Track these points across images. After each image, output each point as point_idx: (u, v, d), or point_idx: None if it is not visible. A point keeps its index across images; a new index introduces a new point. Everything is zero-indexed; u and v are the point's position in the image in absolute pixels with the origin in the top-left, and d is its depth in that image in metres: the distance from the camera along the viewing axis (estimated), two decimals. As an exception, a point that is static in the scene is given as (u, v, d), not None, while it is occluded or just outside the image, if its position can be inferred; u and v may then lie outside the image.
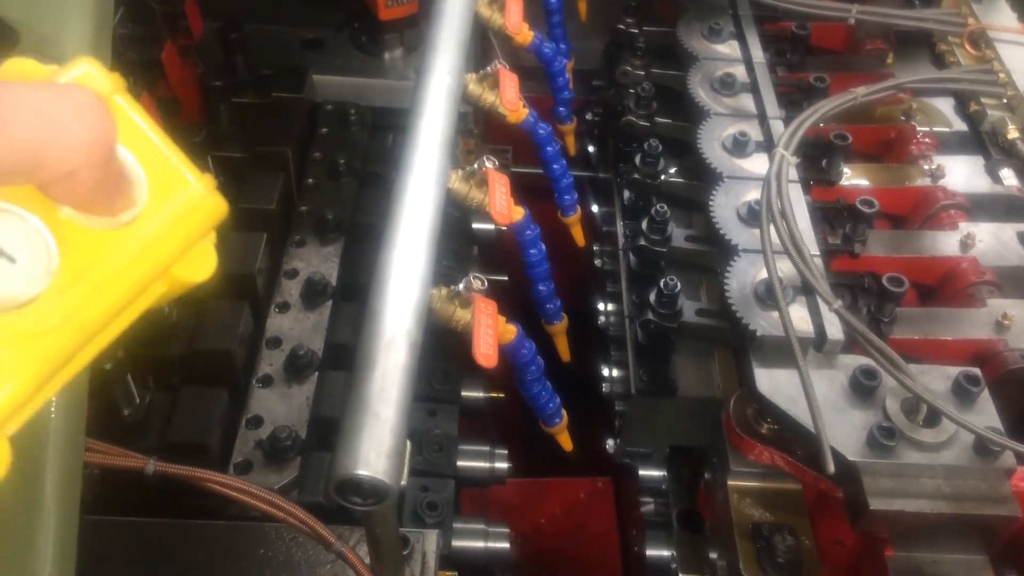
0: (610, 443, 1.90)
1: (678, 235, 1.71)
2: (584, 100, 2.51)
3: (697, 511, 1.73)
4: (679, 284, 1.56)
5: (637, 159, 1.85)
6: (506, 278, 2.22)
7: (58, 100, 0.49)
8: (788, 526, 1.40)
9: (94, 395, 1.37)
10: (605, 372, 1.98)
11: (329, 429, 1.47)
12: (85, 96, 0.50)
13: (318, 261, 1.76)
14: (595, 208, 2.34)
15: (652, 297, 1.57)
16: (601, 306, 2.11)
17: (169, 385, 1.50)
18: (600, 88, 2.49)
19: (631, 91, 2.01)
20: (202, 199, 0.60)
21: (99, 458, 1.08)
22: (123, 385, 1.38)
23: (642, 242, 1.68)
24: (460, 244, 1.98)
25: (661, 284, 1.56)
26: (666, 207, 1.68)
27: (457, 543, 1.58)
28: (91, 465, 1.05)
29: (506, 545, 1.65)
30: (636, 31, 2.19)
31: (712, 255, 1.68)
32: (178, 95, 1.98)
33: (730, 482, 1.48)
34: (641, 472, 1.88)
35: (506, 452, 1.77)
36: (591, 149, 2.48)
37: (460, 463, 1.67)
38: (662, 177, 1.86)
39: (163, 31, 1.91)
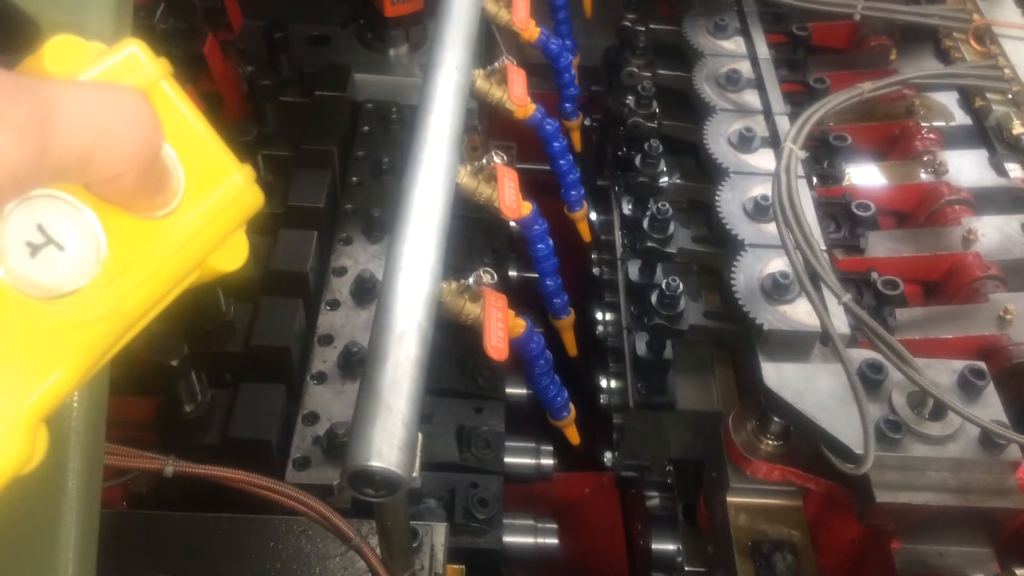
0: (608, 456, 1.87)
1: (683, 236, 1.71)
2: (587, 97, 2.51)
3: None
4: (681, 285, 1.55)
5: (637, 160, 1.85)
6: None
7: (110, 106, 0.49)
8: (788, 544, 1.40)
9: (159, 392, 1.38)
10: (603, 383, 1.95)
11: None
12: (136, 102, 0.50)
13: (366, 259, 1.77)
14: (593, 215, 2.29)
15: (654, 299, 1.57)
16: (599, 315, 2.08)
17: (223, 382, 1.51)
18: (599, 93, 2.46)
19: (633, 92, 2.00)
20: (243, 190, 0.60)
21: (114, 460, 1.08)
22: (187, 382, 1.39)
23: (649, 244, 1.67)
24: (500, 242, 1.99)
25: (663, 285, 1.55)
26: (667, 205, 1.67)
27: (508, 539, 1.60)
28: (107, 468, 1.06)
29: (555, 541, 1.68)
30: (642, 28, 2.19)
31: (717, 256, 1.68)
32: (221, 90, 1.99)
33: (729, 499, 1.47)
34: (647, 467, 1.89)
35: (551, 448, 1.78)
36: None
37: (507, 459, 1.69)
38: (663, 180, 1.86)
39: (204, 25, 1.92)
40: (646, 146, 1.84)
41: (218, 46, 1.97)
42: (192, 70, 1.90)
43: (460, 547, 1.57)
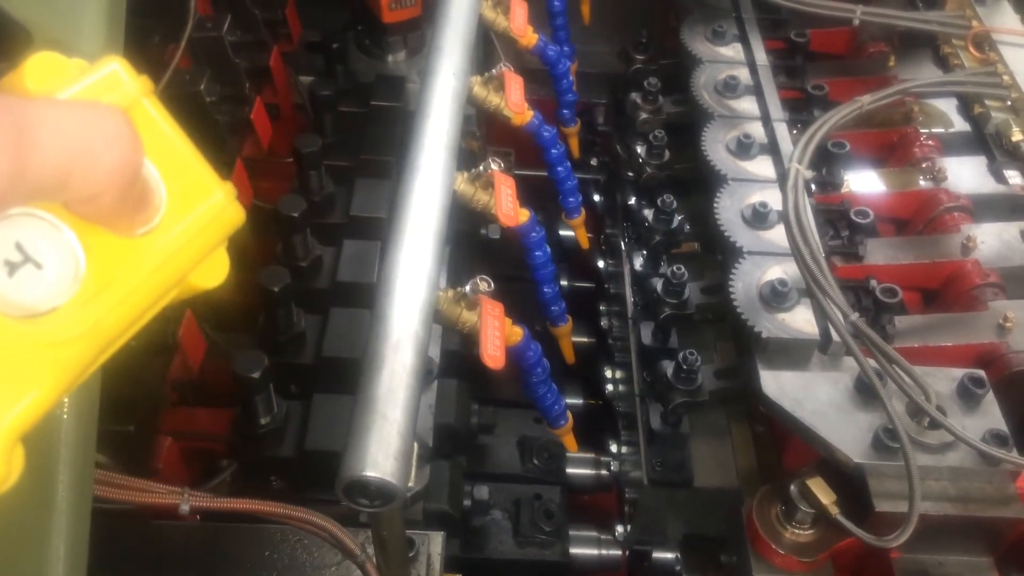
0: (619, 530, 1.77)
1: (695, 290, 1.66)
2: (587, 102, 2.50)
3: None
4: (699, 359, 1.53)
5: (650, 215, 1.81)
6: (593, 285, 2.23)
7: (89, 124, 0.48)
8: None
9: (236, 404, 1.38)
10: (613, 448, 1.85)
11: (447, 436, 1.48)
12: (115, 121, 0.50)
13: None
14: (600, 263, 2.22)
15: (670, 372, 1.53)
16: (608, 373, 1.97)
17: (290, 393, 1.50)
18: (606, 134, 2.41)
19: (645, 140, 1.97)
20: (224, 207, 0.60)
21: (125, 495, 1.07)
22: (266, 394, 1.38)
23: (667, 311, 1.63)
24: (553, 251, 1.98)
25: (680, 359, 1.52)
26: (683, 268, 1.64)
27: (574, 550, 1.62)
28: (118, 502, 1.05)
29: (619, 552, 1.70)
30: (653, 67, 2.17)
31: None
32: (279, 102, 2.01)
33: None
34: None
35: (610, 460, 1.79)
36: (597, 198, 2.36)
37: (569, 470, 1.70)
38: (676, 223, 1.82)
39: (269, 38, 1.95)
40: (659, 201, 1.79)
41: (280, 57, 1.99)
42: (259, 82, 1.93)
43: (527, 559, 1.60)
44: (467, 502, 1.54)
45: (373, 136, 1.93)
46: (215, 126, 1.74)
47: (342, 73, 2.04)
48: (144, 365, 1.47)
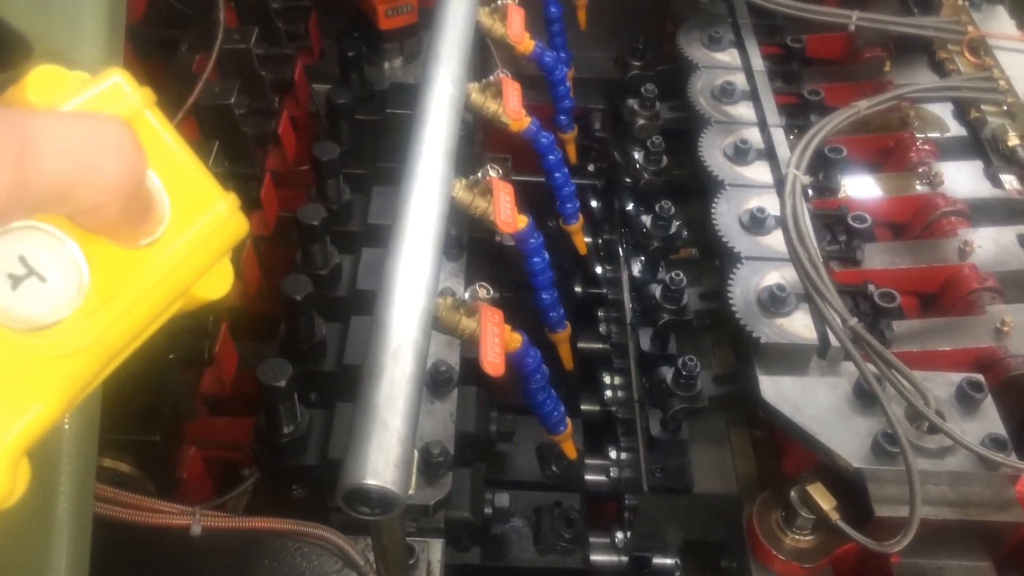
0: (619, 536, 1.74)
1: (694, 296, 1.66)
2: (584, 108, 2.51)
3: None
4: (699, 365, 1.53)
5: (648, 221, 1.79)
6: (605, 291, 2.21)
7: (91, 135, 0.48)
8: None
9: (260, 412, 1.38)
10: (612, 455, 1.83)
11: (467, 444, 1.48)
12: (118, 131, 0.49)
13: (444, 276, 1.71)
14: (599, 269, 2.21)
15: (669, 378, 1.53)
16: (607, 379, 1.96)
17: (310, 402, 1.49)
18: (604, 140, 2.41)
19: (642, 146, 1.96)
20: (227, 219, 0.60)
21: (135, 516, 1.07)
22: (290, 403, 1.38)
23: (666, 317, 1.62)
24: (566, 258, 1.99)
25: (679, 365, 1.52)
26: (681, 274, 1.63)
27: (595, 557, 1.63)
28: (129, 523, 1.05)
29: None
30: (650, 73, 2.17)
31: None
32: (297, 113, 2.02)
33: None
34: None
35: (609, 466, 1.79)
36: (594, 204, 2.35)
37: (587, 477, 1.71)
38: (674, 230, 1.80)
39: (296, 51, 1.97)
40: (657, 208, 1.78)
41: (303, 70, 2.01)
42: (280, 94, 1.94)
43: (547, 567, 1.60)
44: (488, 509, 1.53)
45: (389, 143, 1.92)
46: (244, 139, 1.73)
47: (357, 81, 2.04)
48: (173, 376, 1.46)
